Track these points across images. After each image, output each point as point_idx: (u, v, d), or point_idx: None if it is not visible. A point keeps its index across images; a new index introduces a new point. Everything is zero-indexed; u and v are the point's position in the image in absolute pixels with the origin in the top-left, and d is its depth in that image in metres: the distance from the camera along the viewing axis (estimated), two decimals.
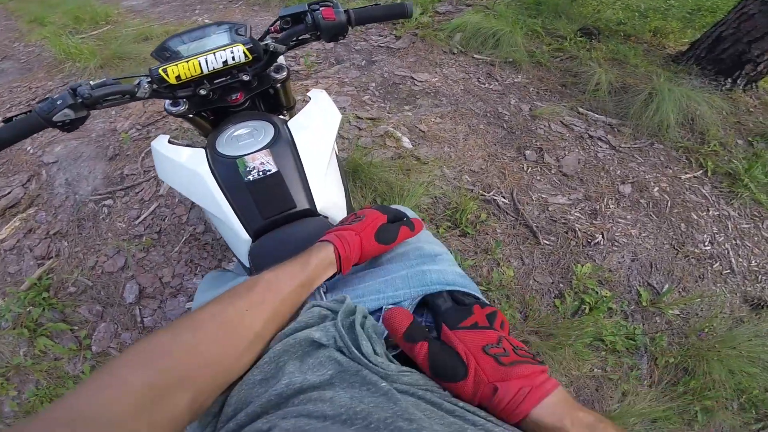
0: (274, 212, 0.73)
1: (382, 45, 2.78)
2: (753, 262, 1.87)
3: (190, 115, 0.84)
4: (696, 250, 1.85)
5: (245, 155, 0.74)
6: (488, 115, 2.29)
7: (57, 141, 2.23)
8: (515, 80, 2.51)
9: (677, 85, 2.43)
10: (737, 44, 2.54)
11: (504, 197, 1.92)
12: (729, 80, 2.65)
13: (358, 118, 2.24)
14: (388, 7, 0.83)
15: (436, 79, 2.47)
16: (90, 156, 2.14)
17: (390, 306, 0.53)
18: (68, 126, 0.68)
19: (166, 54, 0.80)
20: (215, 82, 0.77)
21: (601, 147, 2.17)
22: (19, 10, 5.23)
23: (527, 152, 2.10)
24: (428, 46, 2.70)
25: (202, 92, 0.76)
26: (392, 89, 2.45)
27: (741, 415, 1.51)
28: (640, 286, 1.71)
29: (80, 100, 0.66)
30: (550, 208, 1.90)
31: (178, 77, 0.71)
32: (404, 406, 0.33)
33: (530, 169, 2.03)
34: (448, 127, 2.19)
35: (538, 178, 2.00)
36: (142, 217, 1.83)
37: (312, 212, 0.76)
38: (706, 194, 2.06)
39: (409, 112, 2.29)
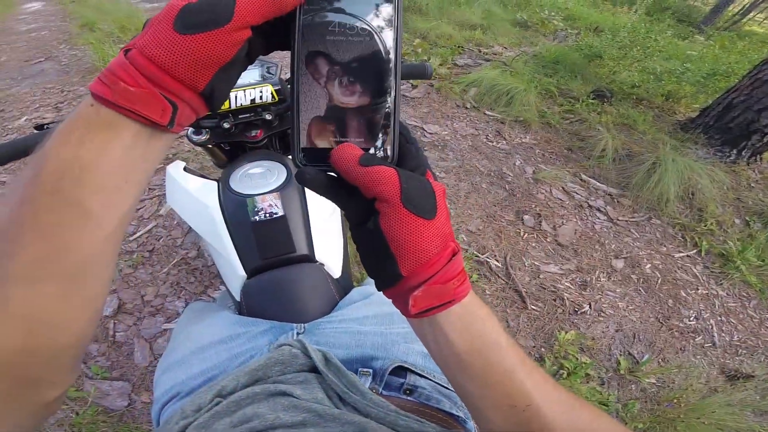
0: (273, 254, 0.74)
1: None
2: (735, 336, 1.90)
3: (210, 146, 0.87)
4: (680, 324, 1.89)
5: (256, 195, 0.76)
6: (492, 174, 2.36)
7: None
8: (523, 140, 2.59)
9: (681, 155, 2.47)
10: (747, 112, 2.56)
11: (497, 260, 1.99)
12: (734, 151, 2.66)
13: None
14: (409, 67, 0.84)
15: (446, 132, 2.56)
16: None
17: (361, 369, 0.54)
18: None
19: None
20: (239, 117, 0.80)
21: (599, 218, 2.23)
22: (75, 13, 5.61)
23: (525, 217, 2.17)
24: (443, 98, 2.79)
25: (226, 125, 0.79)
26: None
27: None
28: (620, 354, 1.74)
29: None
30: (541, 276, 1.95)
31: None
32: None
33: (526, 235, 2.10)
34: (451, 183, 2.27)
35: (533, 245, 2.06)
36: (138, 234, 1.86)
37: (309, 258, 0.77)
38: (697, 274, 2.10)
39: None
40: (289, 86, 0.82)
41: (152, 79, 0.25)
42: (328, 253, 0.81)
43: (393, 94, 0.29)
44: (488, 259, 1.98)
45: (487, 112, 2.76)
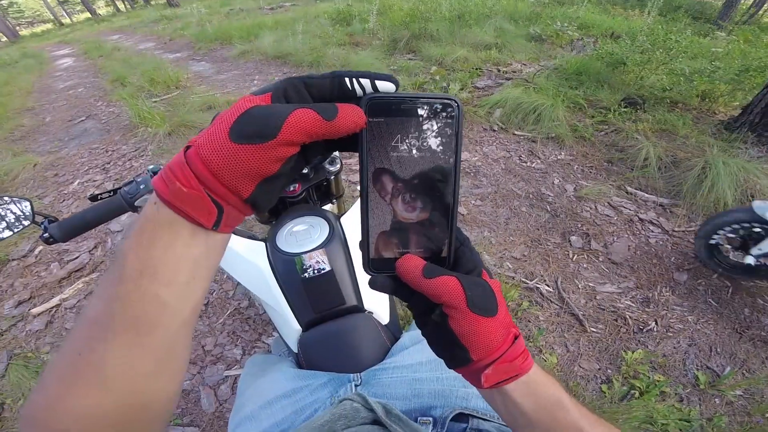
0: (325, 307, 0.78)
1: None
2: None
3: None
4: (762, 333, 1.74)
5: (303, 253, 0.79)
6: (530, 196, 2.27)
7: None
8: (558, 157, 2.49)
9: (732, 156, 2.32)
10: None
11: (548, 285, 1.88)
12: None
13: None
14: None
15: (477, 158, 2.50)
16: None
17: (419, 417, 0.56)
18: None
19: None
20: None
21: (652, 231, 2.08)
22: (105, 68, 6.11)
23: (573, 238, 2.05)
24: (468, 123, 2.75)
25: None
26: None
27: None
28: (697, 369, 1.63)
29: None
30: (597, 297, 1.83)
31: None
32: None
33: (576, 256, 1.98)
34: (489, 210, 2.19)
35: (585, 266, 1.94)
36: None
37: (359, 308, 0.80)
38: None
39: None
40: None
41: (203, 181, 0.26)
42: (376, 302, 0.83)
43: (451, 205, 0.30)
44: (538, 285, 1.87)
45: (516, 132, 2.69)
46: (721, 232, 1.92)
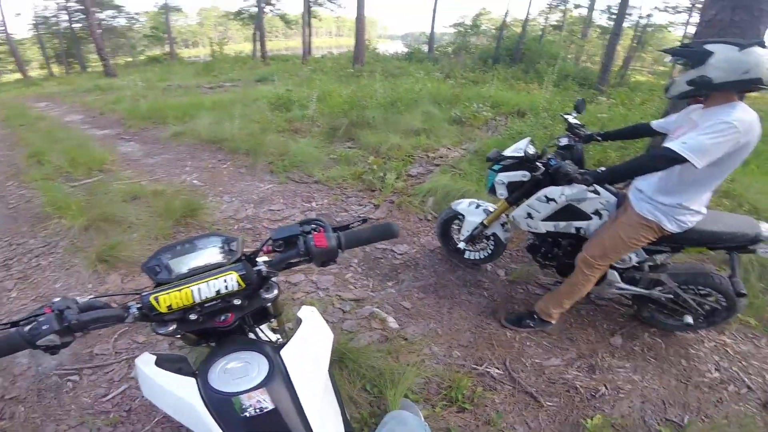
0: None
1: (362, 215, 3.04)
2: (767, 376, 1.95)
3: (178, 336, 0.83)
4: (704, 379, 1.92)
5: (241, 393, 0.73)
6: (468, 284, 2.44)
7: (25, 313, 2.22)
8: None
9: None
10: None
11: (497, 368, 1.96)
12: None
13: (342, 300, 2.33)
14: (375, 228, 0.88)
15: (415, 250, 2.67)
16: None
17: None
18: (52, 349, 0.66)
19: (156, 269, 0.81)
20: (206, 306, 0.78)
21: (582, 304, 2.29)
22: (25, 139, 5.44)
23: None
24: (404, 214, 2.96)
25: (192, 317, 0.77)
26: (374, 264, 2.62)
27: None
28: (658, 424, 1.73)
29: (66, 325, 0.65)
30: (546, 372, 1.94)
31: (169, 307, 0.73)
32: None
33: (518, 335, 2.11)
34: (432, 302, 2.31)
35: (528, 343, 2.08)
36: (111, 395, 1.79)
37: None
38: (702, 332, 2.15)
39: (392, 289, 2.42)
40: (255, 269, 0.82)
41: None
42: (328, 431, 0.79)
43: None
44: (488, 369, 1.95)
45: None
46: (453, 226, 2.49)
